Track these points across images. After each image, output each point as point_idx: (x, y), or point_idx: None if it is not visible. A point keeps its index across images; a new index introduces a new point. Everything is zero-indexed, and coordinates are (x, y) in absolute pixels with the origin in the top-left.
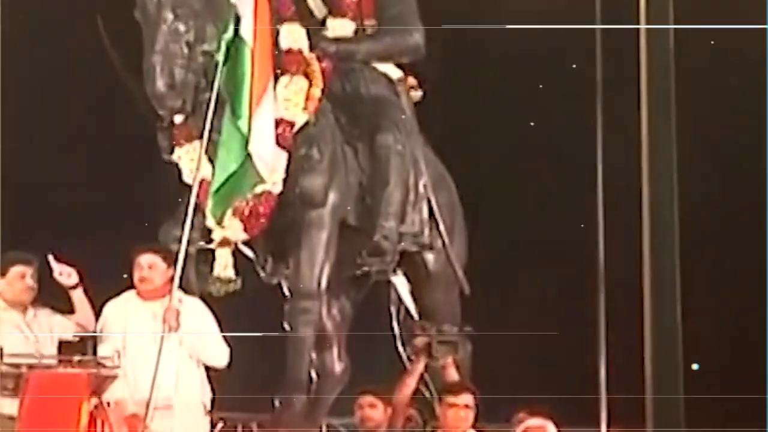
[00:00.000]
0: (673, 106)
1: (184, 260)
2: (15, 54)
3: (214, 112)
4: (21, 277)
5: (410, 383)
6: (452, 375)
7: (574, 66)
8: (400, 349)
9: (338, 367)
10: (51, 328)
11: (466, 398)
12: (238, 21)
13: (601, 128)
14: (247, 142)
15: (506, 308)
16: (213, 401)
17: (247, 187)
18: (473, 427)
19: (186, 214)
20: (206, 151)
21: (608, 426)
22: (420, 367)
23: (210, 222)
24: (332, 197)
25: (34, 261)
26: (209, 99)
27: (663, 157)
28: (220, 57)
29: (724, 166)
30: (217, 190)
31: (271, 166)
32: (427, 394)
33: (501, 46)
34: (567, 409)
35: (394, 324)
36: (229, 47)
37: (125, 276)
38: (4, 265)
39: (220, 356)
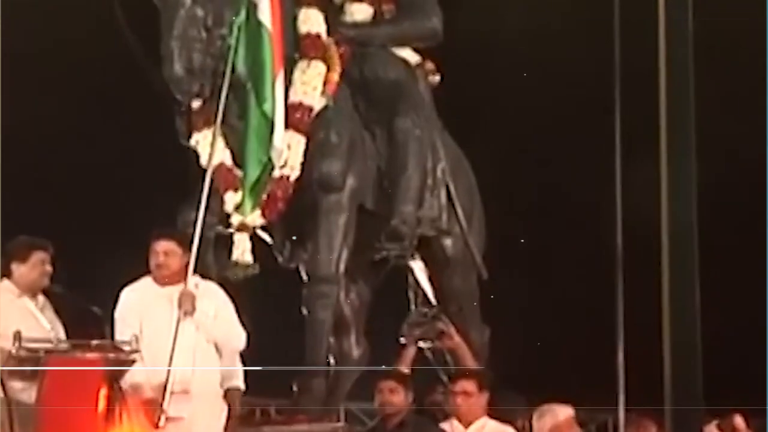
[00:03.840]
0: (692, 89)
1: (202, 245)
2: (30, 37)
3: (229, 97)
4: (42, 263)
5: (403, 369)
6: (462, 360)
7: (591, 51)
8: None
9: (356, 351)
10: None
11: (465, 384)
12: (252, 5)
13: (619, 113)
14: (273, 126)
15: (524, 294)
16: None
17: (268, 175)
18: (489, 413)
19: (200, 199)
20: (223, 136)
21: (626, 408)
22: (410, 352)
23: (228, 207)
24: (350, 182)
25: (50, 247)
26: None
27: (682, 148)
28: (232, 41)
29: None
30: (253, 186)
31: (281, 150)
32: (445, 380)
33: (519, 30)
34: (585, 392)
35: (412, 308)
36: (247, 31)
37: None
38: (25, 251)
39: (236, 340)
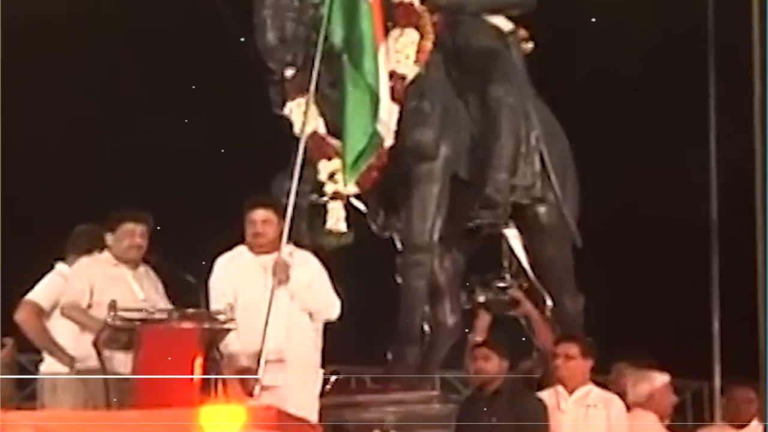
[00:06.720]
0: None
1: (296, 214)
2: (125, 10)
3: (322, 66)
4: (130, 234)
5: (476, 339)
6: (537, 328)
7: (685, 15)
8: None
9: (451, 319)
10: (158, 287)
11: (567, 348)
12: None
13: (713, 80)
14: (377, 99)
15: (618, 262)
16: (324, 354)
17: (374, 148)
18: (592, 379)
19: (294, 168)
20: (316, 105)
21: (722, 378)
22: (483, 320)
23: (322, 175)
24: (444, 150)
25: (148, 220)
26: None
27: None
28: (325, 10)
29: None
30: (357, 158)
31: (387, 123)
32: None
33: None
34: (680, 362)
35: (507, 276)
36: (344, 1)
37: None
38: (115, 221)
39: (331, 309)
